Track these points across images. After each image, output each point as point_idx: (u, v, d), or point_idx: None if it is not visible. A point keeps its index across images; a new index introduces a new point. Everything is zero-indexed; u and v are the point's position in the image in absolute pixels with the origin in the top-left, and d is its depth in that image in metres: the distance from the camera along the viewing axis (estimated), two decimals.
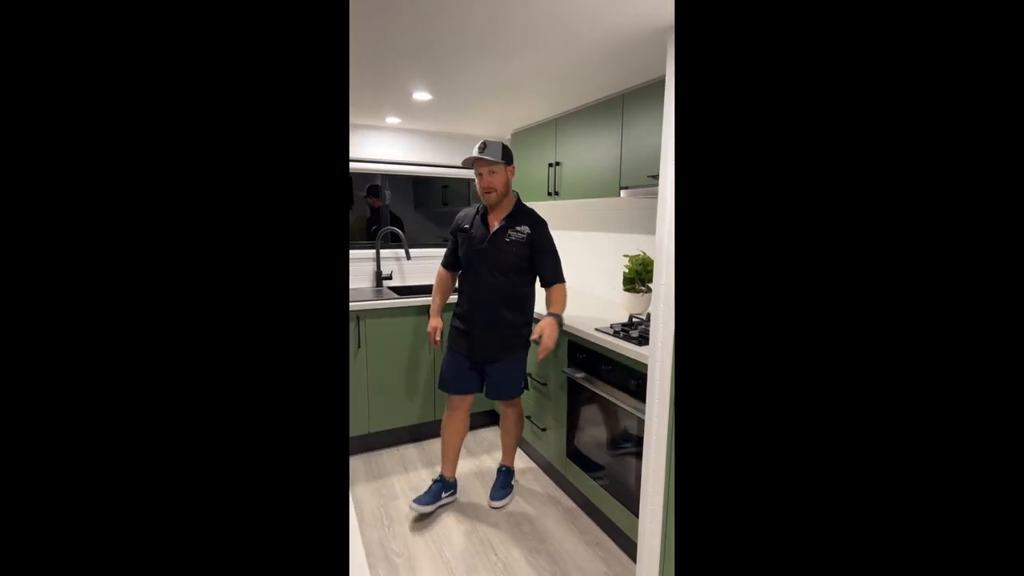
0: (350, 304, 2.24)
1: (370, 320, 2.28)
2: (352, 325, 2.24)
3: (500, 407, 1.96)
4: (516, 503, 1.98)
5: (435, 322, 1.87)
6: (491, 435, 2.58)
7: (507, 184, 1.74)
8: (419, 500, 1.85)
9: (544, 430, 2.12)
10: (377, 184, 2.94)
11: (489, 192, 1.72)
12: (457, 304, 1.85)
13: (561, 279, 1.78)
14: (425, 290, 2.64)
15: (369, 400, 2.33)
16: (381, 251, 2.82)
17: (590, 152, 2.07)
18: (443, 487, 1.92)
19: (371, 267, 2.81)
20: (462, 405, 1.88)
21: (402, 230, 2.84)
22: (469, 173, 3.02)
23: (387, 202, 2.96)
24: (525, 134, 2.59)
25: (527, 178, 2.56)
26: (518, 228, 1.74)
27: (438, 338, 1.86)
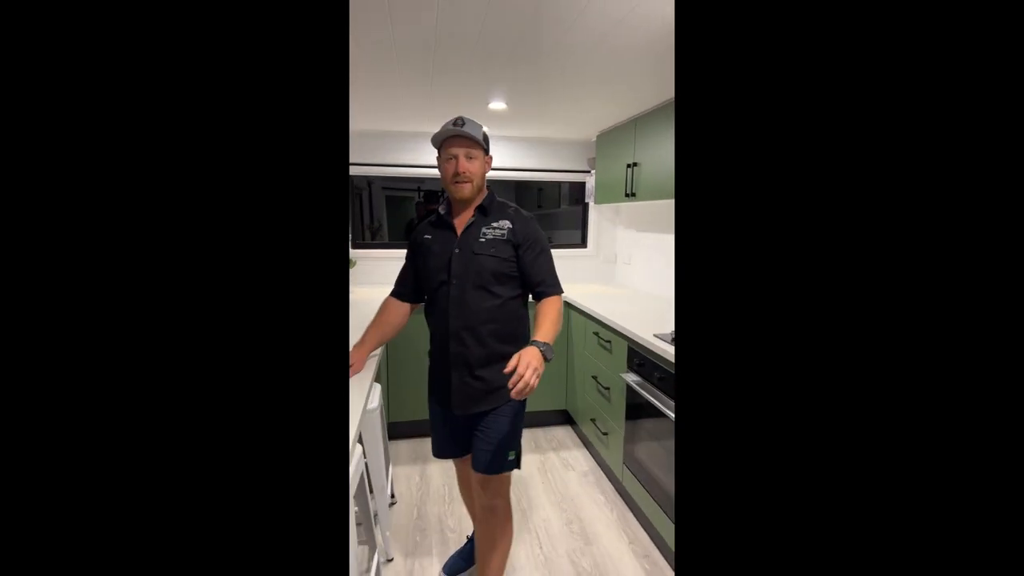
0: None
1: None
2: None
3: (476, 488, 1.35)
4: (573, 503, 1.99)
5: (355, 354, 1.31)
6: (561, 433, 2.62)
7: (484, 176, 1.30)
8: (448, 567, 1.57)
9: (606, 434, 2.10)
10: (435, 191, 3.12)
11: (464, 182, 1.24)
12: (429, 340, 1.36)
13: (558, 289, 1.28)
14: None
15: None
16: None
17: (668, 152, 1.99)
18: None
19: None
20: (463, 470, 1.50)
21: None
22: (560, 176, 3.08)
23: None
24: (607, 136, 2.57)
25: (607, 180, 2.55)
26: (495, 224, 1.27)
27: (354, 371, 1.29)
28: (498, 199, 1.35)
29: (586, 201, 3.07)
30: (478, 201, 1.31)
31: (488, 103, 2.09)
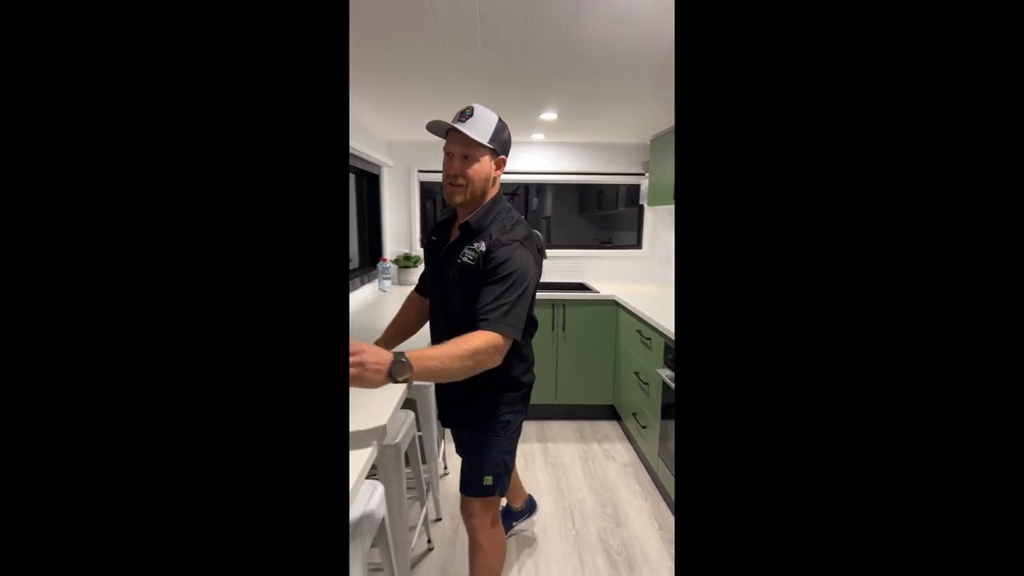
0: None
1: None
2: None
3: (462, 514, 1.27)
4: (609, 490, 2.11)
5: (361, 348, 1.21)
6: (607, 427, 2.73)
7: (487, 181, 1.09)
8: None
9: (645, 427, 2.19)
10: (513, 193, 3.37)
11: (456, 187, 1.07)
12: None
13: (493, 325, 1.00)
14: (550, 286, 2.90)
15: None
16: None
17: None
18: (512, 516, 1.76)
19: None
20: None
21: (547, 234, 3.26)
22: (617, 179, 3.18)
23: (532, 208, 3.36)
24: (660, 140, 2.63)
25: (658, 182, 2.61)
26: (474, 245, 1.09)
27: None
28: (497, 213, 1.12)
29: (640, 203, 3.14)
30: (472, 212, 1.11)
31: (540, 114, 2.27)
